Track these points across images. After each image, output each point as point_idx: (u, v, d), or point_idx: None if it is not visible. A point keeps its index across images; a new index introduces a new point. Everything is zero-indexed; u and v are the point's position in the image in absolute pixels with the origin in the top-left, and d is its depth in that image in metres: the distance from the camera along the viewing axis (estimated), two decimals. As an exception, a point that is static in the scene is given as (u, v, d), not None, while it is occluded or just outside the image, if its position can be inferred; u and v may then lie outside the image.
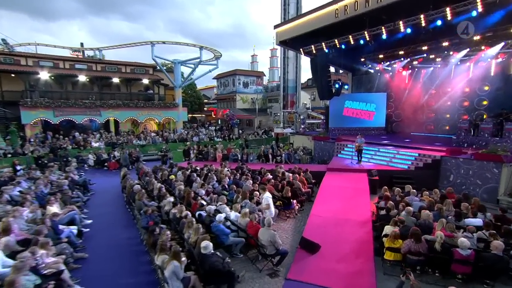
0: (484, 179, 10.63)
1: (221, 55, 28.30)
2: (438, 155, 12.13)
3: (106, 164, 16.46)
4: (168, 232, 5.51)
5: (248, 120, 38.44)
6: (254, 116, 36.92)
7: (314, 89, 36.76)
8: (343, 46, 16.77)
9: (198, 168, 12.25)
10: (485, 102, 15.93)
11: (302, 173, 11.54)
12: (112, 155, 16.83)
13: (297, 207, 9.50)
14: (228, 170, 11.78)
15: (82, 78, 23.83)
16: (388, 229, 6.52)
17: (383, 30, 14.16)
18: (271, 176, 10.53)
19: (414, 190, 8.76)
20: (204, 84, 59.34)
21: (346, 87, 20.10)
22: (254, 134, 25.45)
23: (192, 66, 28.20)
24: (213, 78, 45.40)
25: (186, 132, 26.34)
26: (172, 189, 10.04)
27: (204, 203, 7.60)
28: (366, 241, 6.88)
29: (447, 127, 17.91)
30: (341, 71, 24.58)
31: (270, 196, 7.94)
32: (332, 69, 21.03)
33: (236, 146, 21.05)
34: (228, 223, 7.32)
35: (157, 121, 28.30)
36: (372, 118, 19.85)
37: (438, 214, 7.14)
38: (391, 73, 20.24)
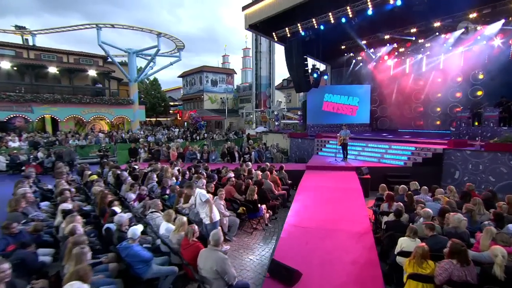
0: (498, 175, 8.98)
1: (183, 46, 25.86)
2: (440, 148, 10.43)
3: (23, 168, 13.18)
4: (6, 265, 2.93)
5: (217, 121, 35.92)
6: (224, 117, 34.51)
7: (291, 90, 35.20)
8: (321, 27, 15.06)
9: (136, 167, 9.60)
10: (480, 93, 14.76)
11: (274, 171, 9.29)
12: (32, 157, 13.61)
13: (267, 214, 7.18)
14: (178, 169, 9.26)
15: (6, 65, 20.21)
16: (404, 242, 4.37)
17: (369, 3, 12.52)
18: (233, 175, 8.15)
19: (426, 187, 6.78)
20: (170, 85, 56.18)
21: (325, 77, 18.38)
22: (222, 135, 22.99)
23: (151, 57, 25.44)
24: (179, 77, 42.55)
25: (142, 132, 23.32)
26: (90, 193, 7.35)
27: (118, 210, 5.05)
28: (369, 263, 4.69)
29: (438, 122, 16.62)
30: (319, 67, 22.95)
31: (205, 192, 5.54)
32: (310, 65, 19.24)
33: (200, 146, 18.50)
34: (159, 242, 4.85)
35: (108, 120, 25.02)
36: (355, 113, 18.24)
37: (469, 218, 5.13)
38: (375, 63, 18.85)
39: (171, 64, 26.22)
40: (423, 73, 16.79)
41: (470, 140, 10.81)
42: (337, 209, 6.84)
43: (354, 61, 19.70)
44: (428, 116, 17.03)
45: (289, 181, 9.82)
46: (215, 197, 6.10)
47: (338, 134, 12.02)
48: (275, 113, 20.49)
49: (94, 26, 21.56)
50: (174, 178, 8.43)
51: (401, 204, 5.65)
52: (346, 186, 8.70)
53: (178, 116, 41.86)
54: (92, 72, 23.75)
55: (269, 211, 7.43)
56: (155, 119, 51.84)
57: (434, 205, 5.98)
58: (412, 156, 10.90)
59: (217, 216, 5.34)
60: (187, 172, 8.51)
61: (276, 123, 19.83)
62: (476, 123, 12.12)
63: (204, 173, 8.46)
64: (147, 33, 23.46)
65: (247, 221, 6.79)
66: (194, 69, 38.25)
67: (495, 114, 11.01)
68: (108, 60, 25.02)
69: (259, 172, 8.49)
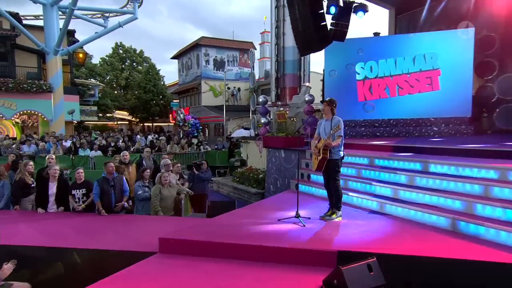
0: None
1: (142, -1, 21.24)
2: None
3: None
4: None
5: (219, 125, 30.16)
6: (229, 118, 28.57)
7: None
8: None
9: None
10: None
11: None
12: None
13: None
14: None
15: None
16: None
17: None
18: None
19: None
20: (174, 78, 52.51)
21: (360, 15, 11.17)
22: (181, 146, 17.04)
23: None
24: (172, 58, 38.34)
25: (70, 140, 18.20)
26: None
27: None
28: None
29: None
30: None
31: None
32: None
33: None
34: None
35: (15, 120, 21.14)
36: (438, 85, 11.24)
37: None
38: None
39: (121, 25, 21.58)
40: None
41: None
42: None
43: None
44: None
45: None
46: None
47: (314, 137, 5.21)
48: (260, 99, 13.95)
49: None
50: None
51: None
52: None
53: (171, 118, 37.43)
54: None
55: None
56: (151, 123, 48.38)
57: None
58: None
59: None
60: None
61: (263, 120, 13.21)
62: None
63: None
64: None
65: None
66: (190, 45, 33.42)
67: None
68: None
69: None
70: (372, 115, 11.61)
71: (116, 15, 23.80)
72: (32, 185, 6.82)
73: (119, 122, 49.27)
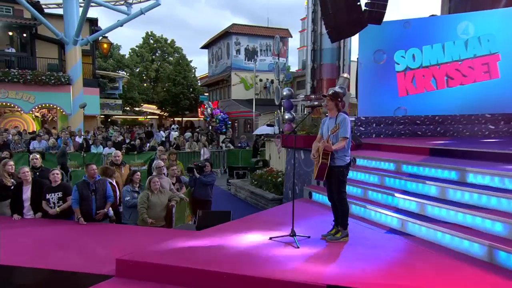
0: None
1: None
2: None
3: None
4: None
5: (249, 120, 29.66)
6: (258, 113, 27.94)
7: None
8: None
9: None
10: None
11: None
12: None
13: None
14: None
15: None
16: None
17: None
18: None
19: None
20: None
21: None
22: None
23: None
24: (202, 47, 38.27)
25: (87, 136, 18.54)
26: None
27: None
28: None
29: None
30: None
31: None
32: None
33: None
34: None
35: (35, 114, 21.86)
36: (498, 72, 10.18)
37: None
38: None
39: (142, 13, 21.62)
40: None
41: None
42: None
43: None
44: None
45: None
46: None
47: (317, 137, 4.64)
48: (285, 92, 13.29)
49: None
50: None
51: None
52: None
53: (199, 113, 37.42)
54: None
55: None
56: (181, 118, 48.52)
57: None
58: None
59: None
60: None
61: (288, 116, 12.58)
62: None
63: None
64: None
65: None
66: (220, 33, 33.11)
67: None
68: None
69: None
70: (413, 111, 10.77)
71: (140, 2, 24.06)
72: (12, 187, 6.63)
73: (149, 117, 50.10)
